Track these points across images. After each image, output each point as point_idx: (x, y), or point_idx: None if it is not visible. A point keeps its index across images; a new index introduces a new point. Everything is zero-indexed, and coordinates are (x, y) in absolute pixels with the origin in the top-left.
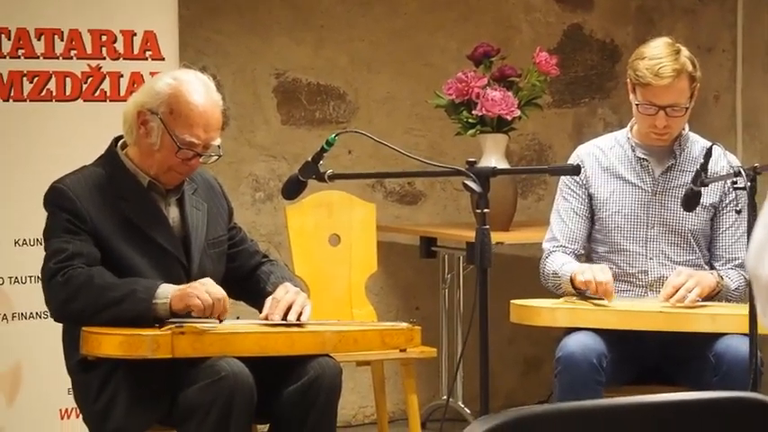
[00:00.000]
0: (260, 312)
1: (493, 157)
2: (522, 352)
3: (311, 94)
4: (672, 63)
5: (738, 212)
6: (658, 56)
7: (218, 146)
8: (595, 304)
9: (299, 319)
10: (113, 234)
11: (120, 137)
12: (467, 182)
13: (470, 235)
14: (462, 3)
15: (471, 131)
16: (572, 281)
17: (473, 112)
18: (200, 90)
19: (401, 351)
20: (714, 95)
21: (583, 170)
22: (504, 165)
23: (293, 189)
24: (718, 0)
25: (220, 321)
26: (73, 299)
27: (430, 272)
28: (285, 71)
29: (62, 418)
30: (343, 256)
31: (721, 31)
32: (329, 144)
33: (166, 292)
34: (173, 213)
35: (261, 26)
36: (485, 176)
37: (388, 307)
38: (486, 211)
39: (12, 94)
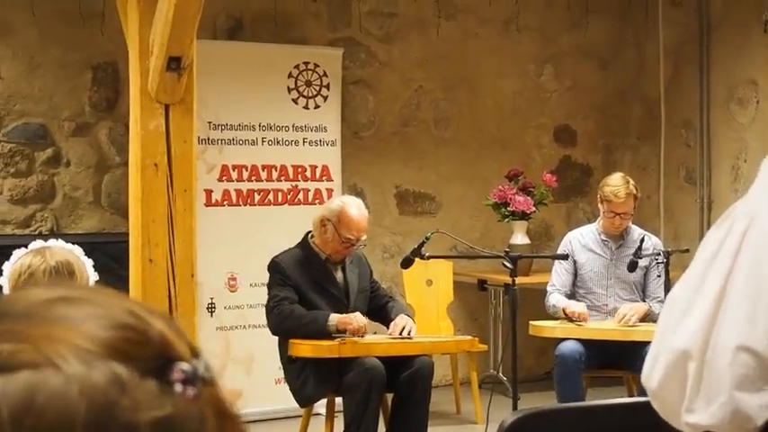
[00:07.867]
0: (387, 330)
1: (519, 234)
2: (537, 345)
3: (415, 197)
4: (624, 189)
5: (659, 276)
6: (616, 185)
7: (365, 239)
8: (577, 324)
9: (409, 334)
10: (305, 287)
11: (310, 231)
12: (504, 262)
13: (506, 279)
14: (501, 142)
15: (507, 220)
16: (564, 310)
17: (508, 208)
18: (355, 208)
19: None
20: (647, 195)
21: (570, 246)
22: (525, 240)
23: (407, 263)
24: (648, 139)
25: (363, 336)
26: (282, 323)
27: (483, 299)
28: (400, 184)
29: (276, 384)
30: (433, 291)
31: (651, 157)
32: (427, 239)
33: (334, 318)
34: (339, 275)
35: (386, 158)
36: (515, 260)
37: (460, 321)
38: (515, 278)
39: (248, 202)
